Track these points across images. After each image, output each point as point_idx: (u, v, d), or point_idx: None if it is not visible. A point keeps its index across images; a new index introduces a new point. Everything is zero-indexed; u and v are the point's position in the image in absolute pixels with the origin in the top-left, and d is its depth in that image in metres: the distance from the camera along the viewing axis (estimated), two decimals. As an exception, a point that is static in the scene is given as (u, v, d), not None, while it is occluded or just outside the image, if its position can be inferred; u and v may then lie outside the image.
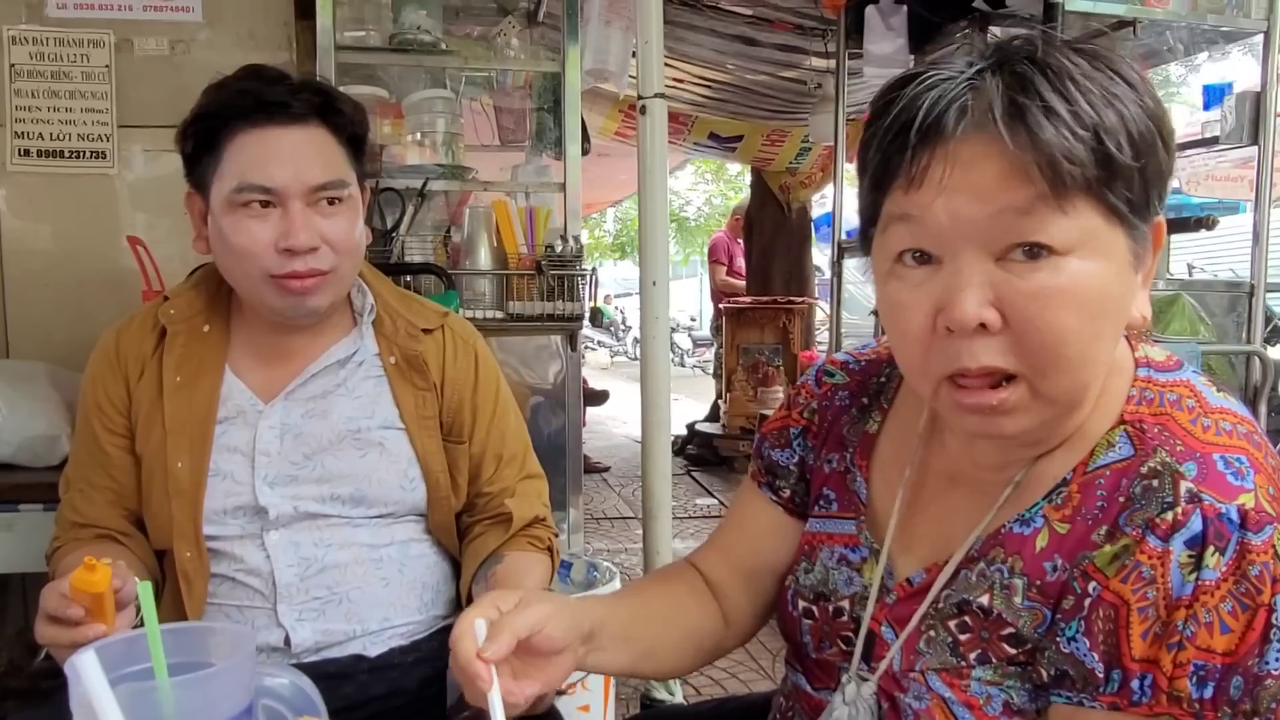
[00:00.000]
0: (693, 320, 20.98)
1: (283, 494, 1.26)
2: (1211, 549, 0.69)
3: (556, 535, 1.44)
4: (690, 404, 9.26)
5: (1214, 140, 2.74)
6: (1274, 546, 0.68)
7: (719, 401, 6.93)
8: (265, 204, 1.20)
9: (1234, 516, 0.69)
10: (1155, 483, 0.73)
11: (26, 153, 2.28)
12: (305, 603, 1.25)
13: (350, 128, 1.27)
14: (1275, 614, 0.67)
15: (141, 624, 1.13)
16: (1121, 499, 0.74)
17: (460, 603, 1.38)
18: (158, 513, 1.26)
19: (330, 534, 1.28)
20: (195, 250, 1.30)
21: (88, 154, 2.31)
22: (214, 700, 0.66)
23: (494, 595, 0.86)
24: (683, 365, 17.48)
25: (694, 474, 6.33)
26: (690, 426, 6.98)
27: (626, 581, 3.18)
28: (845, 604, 0.92)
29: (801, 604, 0.96)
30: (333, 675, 1.23)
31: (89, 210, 2.32)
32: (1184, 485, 0.71)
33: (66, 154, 2.30)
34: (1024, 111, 0.68)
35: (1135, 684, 0.70)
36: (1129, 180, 0.70)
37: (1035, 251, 0.70)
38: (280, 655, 1.25)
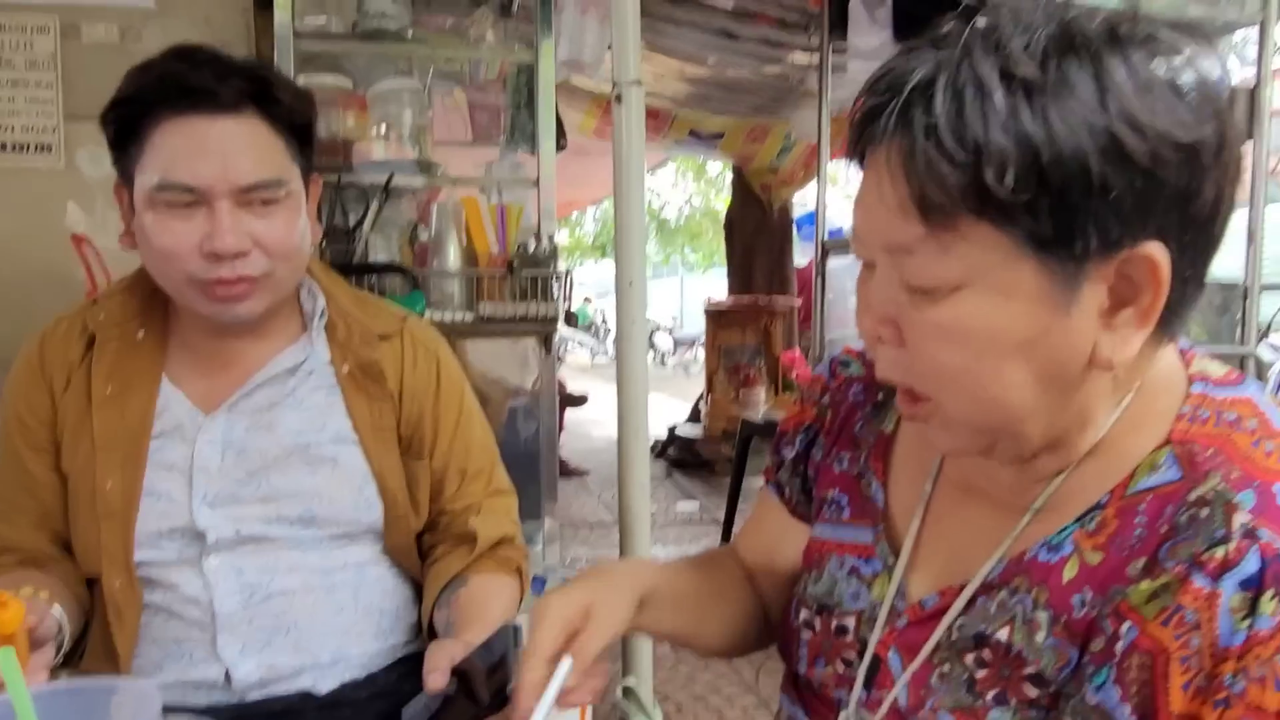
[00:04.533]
0: (674, 320, 20.95)
1: (223, 515, 1.15)
2: (1270, 593, 0.60)
3: (526, 556, 1.34)
4: (672, 404, 9.18)
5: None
6: None
7: (700, 403, 6.86)
8: (189, 203, 1.09)
9: None
10: (1205, 512, 0.64)
11: (-34, 146, 2.16)
12: (248, 634, 1.15)
13: (290, 117, 1.15)
14: None
15: (62, 663, 1.03)
16: (1164, 529, 0.66)
17: (422, 629, 1.28)
18: (85, 536, 1.15)
19: (276, 558, 1.17)
20: (121, 245, 1.20)
21: (32, 147, 2.19)
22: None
23: (562, 606, 0.80)
24: (663, 365, 17.45)
25: (675, 477, 6.25)
26: (671, 429, 6.90)
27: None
28: (850, 621, 0.84)
29: (804, 613, 0.88)
30: (278, 714, 1.13)
31: (32, 206, 2.20)
32: (1238, 518, 0.63)
33: (9, 147, 2.18)
34: (911, 126, 0.63)
35: None
36: (1030, 210, 0.61)
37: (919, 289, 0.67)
38: (220, 693, 1.14)
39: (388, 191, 2.04)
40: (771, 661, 0.99)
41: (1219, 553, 0.62)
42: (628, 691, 1.76)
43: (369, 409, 1.23)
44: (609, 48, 2.07)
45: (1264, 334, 4.85)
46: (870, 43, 3.14)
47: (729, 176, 7.61)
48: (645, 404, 1.74)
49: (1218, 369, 0.75)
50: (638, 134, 1.55)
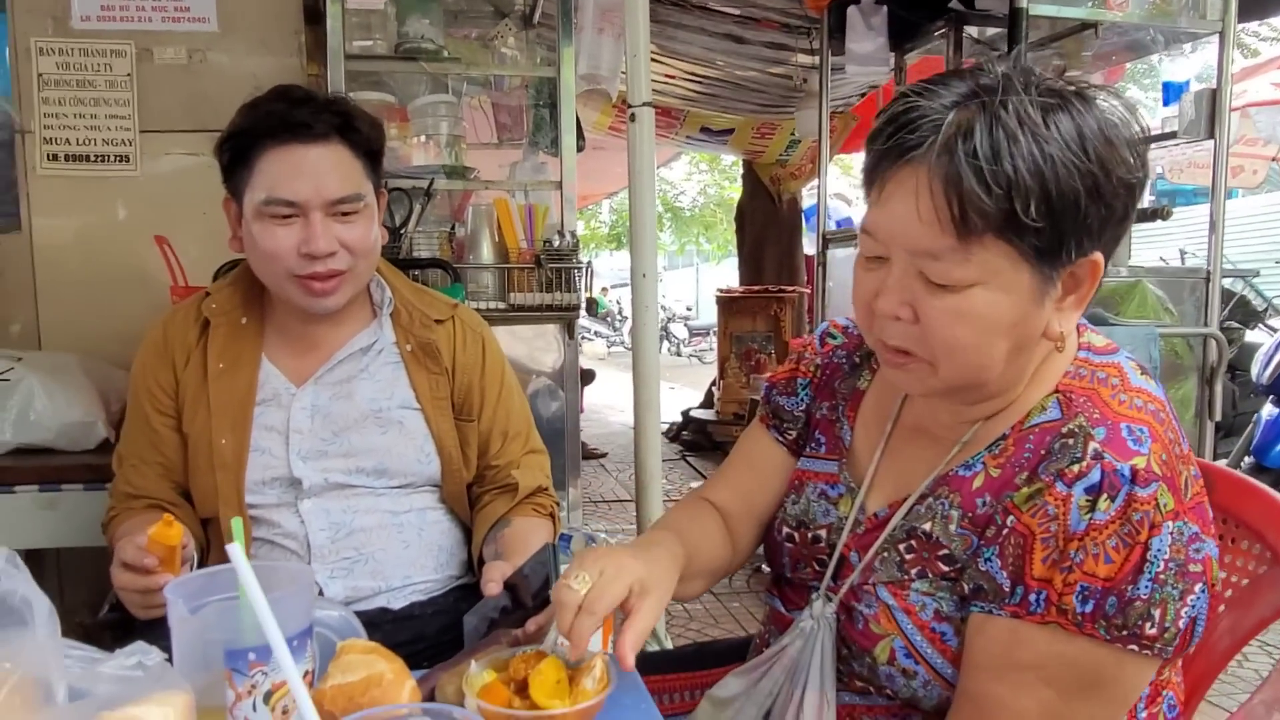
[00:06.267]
0: (689, 310, 21.12)
1: (314, 467, 1.42)
2: (1105, 496, 0.85)
3: (558, 504, 1.60)
4: (687, 393, 9.42)
5: (1172, 134, 2.88)
6: (1156, 499, 0.84)
7: (713, 388, 7.09)
8: (289, 214, 1.34)
9: (1126, 473, 0.85)
10: (1071, 441, 0.89)
11: (55, 157, 2.43)
12: (336, 562, 1.41)
13: (368, 144, 1.41)
14: (1149, 552, 0.84)
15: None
16: (1043, 452, 0.91)
17: (472, 565, 1.54)
18: (204, 484, 1.42)
19: (357, 502, 1.44)
20: (231, 248, 1.45)
21: (112, 158, 2.46)
22: (285, 618, 0.82)
23: (628, 578, 0.92)
24: (679, 355, 17.61)
25: (689, 459, 6.50)
26: (685, 413, 7.14)
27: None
28: (822, 532, 1.10)
29: (785, 530, 1.14)
30: (362, 625, 1.38)
31: (114, 211, 2.47)
32: (1092, 445, 0.88)
33: (92, 158, 2.45)
34: (954, 159, 0.82)
35: (1033, 598, 0.87)
36: (1038, 232, 0.83)
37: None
38: (314, 608, 1.40)
39: (429, 194, 2.29)
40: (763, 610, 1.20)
41: (1075, 468, 0.87)
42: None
43: (428, 381, 1.49)
44: (624, 58, 2.31)
45: (1245, 314, 5.04)
46: (866, 47, 3.35)
47: (741, 168, 7.80)
48: (658, 379, 1.99)
49: (1100, 340, 1.01)
50: (649, 148, 1.79)
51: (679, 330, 18.13)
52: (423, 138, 2.45)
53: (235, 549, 0.74)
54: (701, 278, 23.79)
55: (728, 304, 6.86)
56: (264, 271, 1.40)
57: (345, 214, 1.37)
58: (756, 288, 6.92)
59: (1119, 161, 0.84)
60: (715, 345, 7.83)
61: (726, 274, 16.59)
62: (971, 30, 3.32)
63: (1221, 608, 1.17)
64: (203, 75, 2.49)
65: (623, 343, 18.81)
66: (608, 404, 9.16)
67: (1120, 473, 0.85)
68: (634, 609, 0.91)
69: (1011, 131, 0.81)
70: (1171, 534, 0.84)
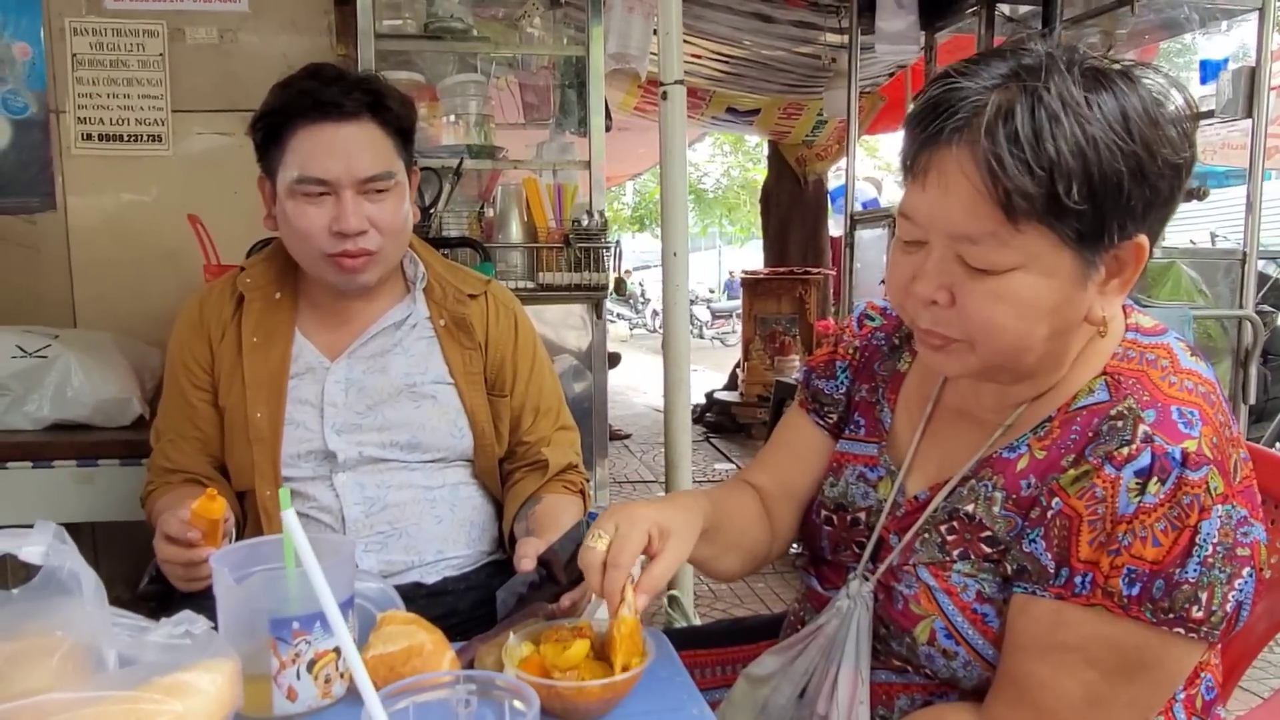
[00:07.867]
0: (711, 292, 21.09)
1: (349, 440, 1.43)
2: (1155, 479, 0.84)
3: (588, 480, 1.61)
4: (710, 375, 9.41)
5: (1209, 114, 2.83)
6: (1207, 483, 0.84)
7: (737, 370, 7.08)
8: (321, 193, 1.35)
9: (1177, 456, 0.84)
10: (1120, 423, 0.88)
11: (89, 137, 2.45)
12: (370, 536, 1.43)
13: (398, 121, 1.41)
14: (1198, 535, 0.83)
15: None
16: (1090, 434, 0.91)
17: (503, 542, 1.55)
18: (240, 457, 1.43)
19: (390, 476, 1.45)
20: (265, 226, 1.47)
21: (145, 137, 2.48)
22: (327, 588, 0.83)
23: (647, 524, 0.94)
24: (701, 337, 17.59)
25: (713, 440, 6.50)
26: (709, 395, 7.14)
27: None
28: (861, 515, 1.10)
29: (824, 513, 1.14)
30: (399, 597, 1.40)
31: (147, 190, 2.50)
32: (1141, 428, 0.87)
33: (125, 138, 2.47)
34: (996, 141, 0.81)
35: (1078, 580, 0.87)
36: (1080, 216, 0.82)
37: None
38: (349, 582, 1.42)
39: (459, 174, 2.29)
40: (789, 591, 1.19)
41: (1124, 451, 0.86)
42: (673, 600, 2.03)
43: (461, 356, 1.50)
44: (654, 34, 2.30)
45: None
46: (896, 25, 3.32)
47: (766, 149, 7.77)
48: (688, 358, 1.99)
49: (1148, 321, 1.00)
50: (681, 126, 1.79)
51: (701, 312, 18.10)
52: (452, 117, 2.45)
53: (290, 516, 0.75)
54: (724, 260, 23.73)
55: (753, 286, 6.85)
56: (297, 250, 1.41)
57: (377, 192, 1.37)
58: (782, 270, 6.90)
59: (1164, 141, 0.82)
60: (737, 328, 7.81)
61: (749, 256, 16.52)
62: (1004, 8, 3.28)
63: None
64: (234, 55, 2.51)
65: (645, 325, 18.83)
66: (631, 385, 9.17)
67: (1171, 456, 0.84)
68: (658, 552, 0.94)
69: (1054, 113, 0.80)
70: (1220, 517, 0.83)
